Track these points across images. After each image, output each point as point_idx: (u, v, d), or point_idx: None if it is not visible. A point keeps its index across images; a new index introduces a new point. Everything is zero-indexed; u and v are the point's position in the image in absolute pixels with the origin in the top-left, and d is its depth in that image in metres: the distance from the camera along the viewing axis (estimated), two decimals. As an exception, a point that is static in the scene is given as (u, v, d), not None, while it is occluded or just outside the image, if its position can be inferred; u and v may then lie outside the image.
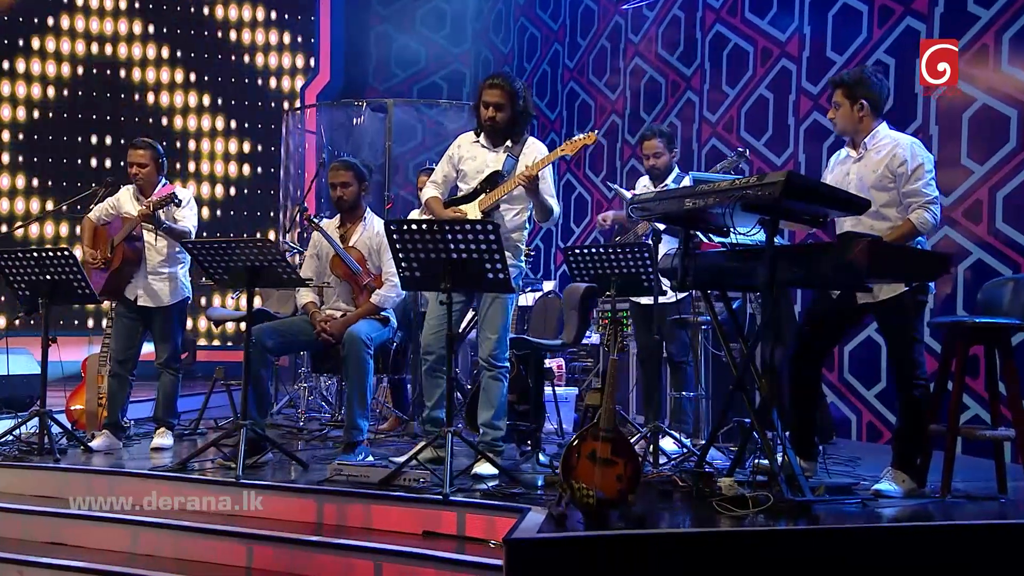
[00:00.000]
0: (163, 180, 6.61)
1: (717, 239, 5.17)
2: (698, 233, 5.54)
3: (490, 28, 13.21)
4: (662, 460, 5.57)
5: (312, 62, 13.54)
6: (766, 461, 4.55)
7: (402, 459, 5.09)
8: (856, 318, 5.22)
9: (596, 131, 5.47)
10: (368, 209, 6.24)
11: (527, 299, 8.29)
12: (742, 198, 4.29)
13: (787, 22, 8.50)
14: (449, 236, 4.73)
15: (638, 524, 4.06)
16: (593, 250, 5.92)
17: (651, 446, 5.56)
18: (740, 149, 6.45)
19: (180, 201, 6.25)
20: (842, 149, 5.24)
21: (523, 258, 5.55)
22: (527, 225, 5.57)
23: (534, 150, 5.42)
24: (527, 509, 4.25)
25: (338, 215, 6.27)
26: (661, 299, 5.72)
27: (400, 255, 4.84)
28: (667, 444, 5.89)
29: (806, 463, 5.11)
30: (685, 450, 5.76)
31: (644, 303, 6.25)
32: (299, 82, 13.47)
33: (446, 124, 10.83)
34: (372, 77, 13.53)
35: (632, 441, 5.75)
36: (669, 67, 9.95)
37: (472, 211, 5.36)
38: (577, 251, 5.98)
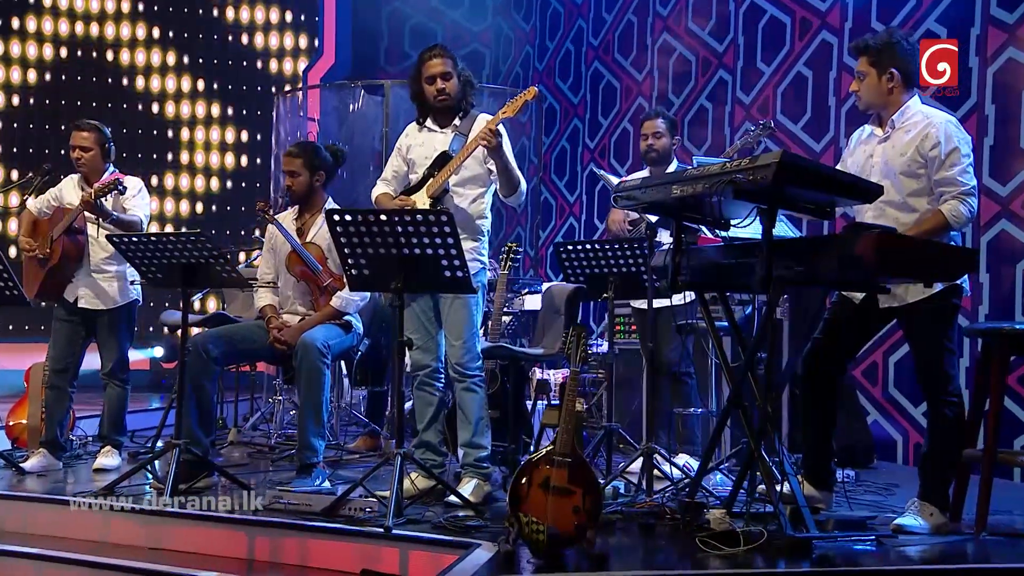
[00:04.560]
0: (110, 167, 6.40)
1: (721, 233, 4.90)
2: (702, 228, 5.28)
3: (511, 4, 12.95)
4: (664, 485, 5.27)
5: (316, 43, 13.33)
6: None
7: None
8: (879, 325, 4.89)
9: (535, 87, 5.19)
10: (329, 199, 5.98)
11: (534, 302, 8.01)
12: (732, 183, 3.99)
13: (827, -11, 8.17)
14: (399, 229, 4.46)
15: (597, 564, 3.78)
16: (587, 246, 5.67)
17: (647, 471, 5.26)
18: (765, 121, 6.04)
19: (125, 188, 6.04)
20: (865, 126, 4.92)
21: (486, 252, 5.28)
22: (488, 214, 5.30)
23: (483, 121, 5.16)
24: (477, 545, 3.97)
25: (296, 206, 6.03)
26: (657, 302, 5.44)
27: (346, 251, 4.60)
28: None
29: (820, 493, 4.81)
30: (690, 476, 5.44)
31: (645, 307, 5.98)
32: (301, 64, 13.27)
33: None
34: (383, 59, 13.28)
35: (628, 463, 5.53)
36: (700, 43, 9.64)
37: (421, 199, 5.11)
38: (570, 247, 5.74)
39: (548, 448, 4.01)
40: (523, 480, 3.94)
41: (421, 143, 5.32)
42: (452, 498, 4.88)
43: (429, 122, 5.34)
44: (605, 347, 6.82)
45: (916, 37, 7.06)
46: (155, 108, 13.08)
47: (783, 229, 5.53)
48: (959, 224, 4.50)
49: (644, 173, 6.31)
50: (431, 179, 5.14)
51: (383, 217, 4.49)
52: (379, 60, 13.21)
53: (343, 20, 13.25)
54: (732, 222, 4.31)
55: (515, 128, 11.07)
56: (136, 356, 11.04)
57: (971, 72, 6.84)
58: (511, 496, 3.93)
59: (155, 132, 12.99)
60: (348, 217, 4.51)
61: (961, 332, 5.44)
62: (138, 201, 6.27)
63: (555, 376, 7.36)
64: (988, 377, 4.64)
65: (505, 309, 8.21)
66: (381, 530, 4.28)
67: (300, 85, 12.60)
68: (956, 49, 4.87)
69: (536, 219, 11.18)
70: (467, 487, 5.01)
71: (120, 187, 5.98)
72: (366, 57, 13.22)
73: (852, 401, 6.96)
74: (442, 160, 5.14)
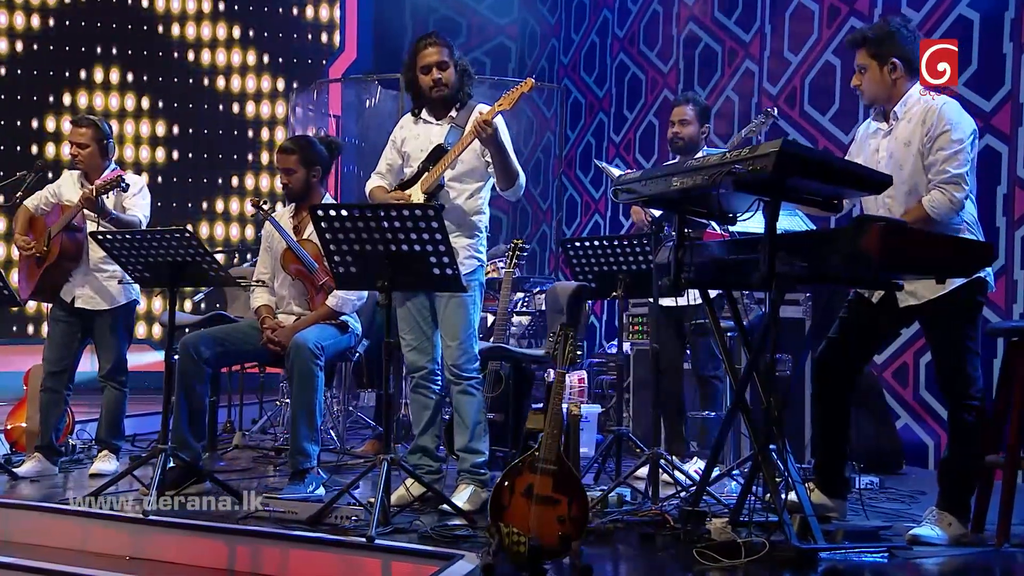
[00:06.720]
0: (111, 164, 6.32)
1: (730, 228, 4.75)
2: (712, 223, 5.13)
3: (537, -4, 12.83)
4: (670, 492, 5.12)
5: (337, 39, 13.20)
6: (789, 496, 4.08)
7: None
8: (898, 325, 4.70)
9: (532, 78, 4.99)
10: (326, 195, 5.86)
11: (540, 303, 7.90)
12: (731, 175, 3.84)
13: (856, -26, 7.97)
14: (385, 224, 4.33)
15: (581, 578, 3.62)
16: (595, 243, 5.53)
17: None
18: (769, 108, 5.91)
19: (127, 186, 5.96)
20: (870, 120, 4.76)
21: (484, 249, 5.14)
22: (486, 209, 5.15)
23: (480, 112, 5.01)
24: (460, 556, 3.84)
25: (294, 203, 5.91)
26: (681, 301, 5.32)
27: (331, 247, 4.48)
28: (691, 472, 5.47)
29: (832, 501, 4.64)
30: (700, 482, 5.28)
31: (666, 305, 5.84)
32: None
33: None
34: (407, 53, 13.12)
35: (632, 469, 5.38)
36: (726, 32, 9.45)
37: (416, 194, 4.97)
38: (576, 244, 5.60)
39: (533, 452, 3.86)
40: (505, 487, 3.79)
41: (416, 135, 5.20)
42: (447, 504, 4.76)
43: (424, 113, 5.22)
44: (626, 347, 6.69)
45: (948, 23, 6.96)
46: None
47: (798, 223, 5.35)
48: (939, 216, 4.31)
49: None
50: (426, 173, 5.01)
51: (368, 212, 4.36)
52: (403, 55, 13.02)
53: (365, 14, 13.13)
54: (738, 216, 4.14)
55: (540, 123, 10.97)
56: (157, 357, 11.02)
57: (1005, 58, 6.63)
58: (492, 504, 3.79)
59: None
60: (332, 212, 4.38)
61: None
62: (138, 200, 6.19)
63: (568, 379, 7.20)
64: (1012, 378, 4.45)
65: (523, 308, 8.09)
66: (364, 540, 4.14)
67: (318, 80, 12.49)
68: (956, 49, 4.80)
69: (560, 216, 11.02)
70: (463, 494, 4.87)
71: (123, 184, 5.89)
72: (389, 52, 13.05)
73: (880, 404, 6.76)
74: (437, 153, 5.01)
